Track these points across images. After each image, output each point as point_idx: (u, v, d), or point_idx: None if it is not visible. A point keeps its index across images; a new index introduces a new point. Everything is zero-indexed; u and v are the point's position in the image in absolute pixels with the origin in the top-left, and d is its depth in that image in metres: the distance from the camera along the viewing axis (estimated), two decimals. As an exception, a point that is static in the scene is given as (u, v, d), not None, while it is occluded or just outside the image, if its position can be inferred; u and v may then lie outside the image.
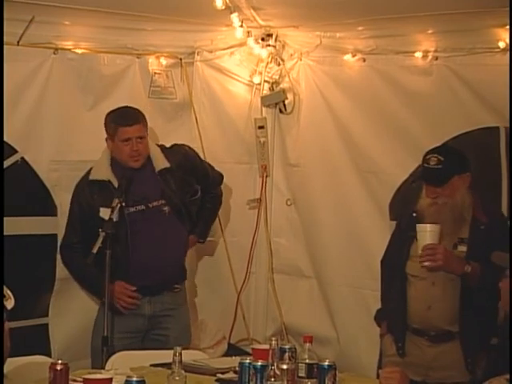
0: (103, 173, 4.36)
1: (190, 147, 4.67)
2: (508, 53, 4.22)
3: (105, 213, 4.30)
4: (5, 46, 4.24)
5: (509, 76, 4.05)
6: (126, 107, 4.41)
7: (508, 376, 2.86)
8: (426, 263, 3.84)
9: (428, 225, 3.85)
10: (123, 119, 4.33)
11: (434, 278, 3.92)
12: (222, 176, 4.76)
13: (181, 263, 4.49)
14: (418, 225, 3.88)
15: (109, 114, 4.39)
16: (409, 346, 3.98)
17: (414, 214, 4.00)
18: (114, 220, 4.15)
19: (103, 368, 3.59)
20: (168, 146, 4.55)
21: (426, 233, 3.84)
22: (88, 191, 4.36)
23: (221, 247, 5.17)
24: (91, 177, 4.37)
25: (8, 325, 2.56)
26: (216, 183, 4.74)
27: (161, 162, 4.41)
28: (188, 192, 4.48)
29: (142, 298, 4.36)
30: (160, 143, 4.57)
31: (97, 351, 4.25)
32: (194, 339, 4.83)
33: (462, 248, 3.90)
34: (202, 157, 4.82)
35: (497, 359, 3.41)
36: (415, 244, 3.92)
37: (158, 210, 4.37)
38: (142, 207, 4.35)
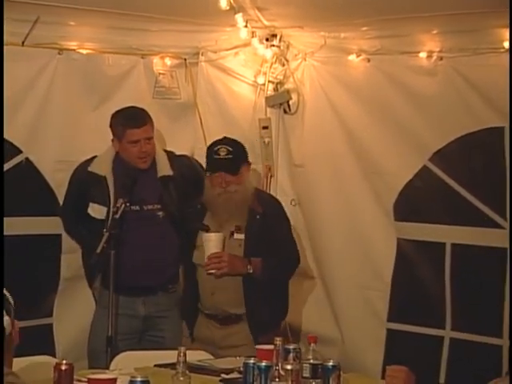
0: (102, 168, 4.37)
1: (198, 162, 4.69)
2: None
3: (92, 209, 4.32)
4: (10, 46, 4.26)
5: (508, 76, 4.05)
6: (133, 107, 4.42)
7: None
8: (212, 271, 4.20)
9: (212, 234, 4.22)
10: (131, 120, 4.33)
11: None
12: None
13: (173, 266, 4.47)
14: (203, 234, 4.24)
15: (115, 115, 4.39)
16: (200, 329, 4.31)
17: (199, 206, 4.35)
18: (117, 219, 4.16)
19: (107, 368, 3.60)
20: (177, 154, 4.57)
21: (211, 242, 4.20)
22: (83, 181, 4.37)
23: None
24: (90, 168, 4.38)
25: (18, 324, 2.58)
26: None
27: (164, 169, 4.42)
28: (185, 203, 4.47)
29: (137, 299, 4.36)
30: (168, 149, 4.58)
31: (94, 353, 4.27)
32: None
33: (239, 236, 4.25)
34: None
35: None
36: (200, 234, 4.28)
37: (153, 214, 4.37)
38: (137, 208, 4.35)
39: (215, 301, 4.27)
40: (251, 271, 4.22)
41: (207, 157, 4.35)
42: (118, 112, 4.39)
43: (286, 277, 4.41)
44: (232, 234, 4.28)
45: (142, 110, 4.40)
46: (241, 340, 4.22)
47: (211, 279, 4.25)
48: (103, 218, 4.29)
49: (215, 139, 4.44)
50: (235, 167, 4.27)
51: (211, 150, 4.33)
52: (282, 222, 4.42)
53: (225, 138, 4.42)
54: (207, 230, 4.28)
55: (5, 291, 2.56)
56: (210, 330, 4.29)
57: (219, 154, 4.26)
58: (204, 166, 4.60)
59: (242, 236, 4.25)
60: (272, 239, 4.28)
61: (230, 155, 4.26)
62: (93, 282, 4.43)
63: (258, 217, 4.28)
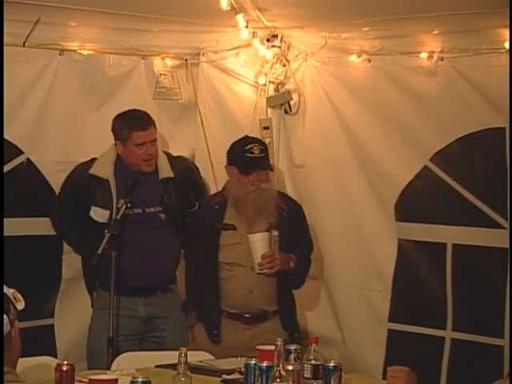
0: (104, 171, 4.35)
1: (193, 162, 4.73)
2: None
3: (95, 212, 4.31)
4: (11, 47, 4.26)
5: (509, 76, 4.06)
6: (135, 110, 4.41)
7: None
8: (266, 270, 4.19)
9: (258, 234, 4.20)
10: (137, 123, 4.32)
11: (252, 263, 4.20)
12: None
13: (172, 267, 4.46)
14: (249, 235, 4.20)
15: (118, 118, 4.37)
16: (224, 331, 4.22)
17: (217, 206, 4.33)
18: (118, 220, 4.16)
19: (108, 369, 3.60)
20: (174, 155, 4.57)
21: (259, 242, 4.18)
22: (84, 183, 4.35)
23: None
24: (91, 171, 4.36)
25: (18, 325, 2.58)
26: None
27: (165, 171, 4.41)
28: (185, 204, 4.47)
29: (137, 300, 4.36)
30: (167, 151, 4.58)
31: (93, 354, 4.26)
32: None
33: (274, 233, 4.25)
34: (207, 158, 4.85)
35: None
36: (224, 234, 4.26)
37: (154, 216, 4.37)
38: (139, 211, 4.34)
39: (252, 298, 4.24)
40: (292, 266, 4.28)
41: (237, 157, 4.27)
42: (120, 115, 4.38)
43: (309, 268, 4.51)
44: (267, 231, 4.26)
45: (144, 112, 4.40)
46: (270, 338, 4.16)
47: (248, 277, 4.23)
48: (105, 221, 4.28)
49: (237, 139, 4.39)
50: (268, 165, 4.33)
51: (240, 149, 4.27)
52: (303, 216, 4.52)
53: (247, 136, 4.40)
54: (234, 229, 4.27)
55: (16, 293, 2.57)
56: (238, 332, 4.24)
57: (253, 153, 4.23)
58: (199, 168, 4.66)
59: (276, 233, 4.27)
60: (297, 234, 4.39)
61: (263, 153, 4.26)
62: (91, 283, 4.42)
63: (285, 214, 4.34)
